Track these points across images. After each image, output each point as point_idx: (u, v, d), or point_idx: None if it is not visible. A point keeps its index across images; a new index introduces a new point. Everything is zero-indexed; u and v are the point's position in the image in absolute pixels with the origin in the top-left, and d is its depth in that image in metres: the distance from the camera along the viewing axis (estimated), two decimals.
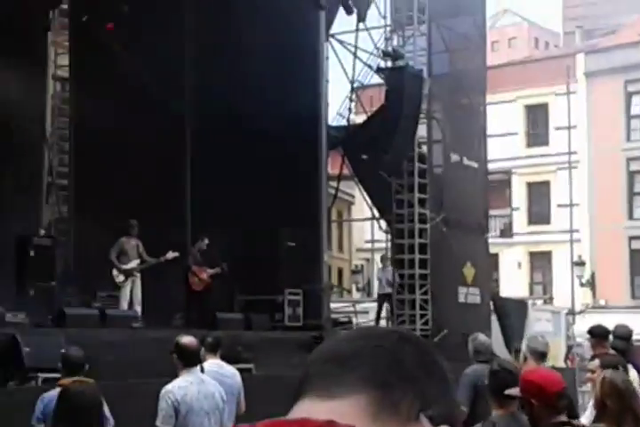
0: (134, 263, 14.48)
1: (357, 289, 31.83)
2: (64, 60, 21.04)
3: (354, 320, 19.27)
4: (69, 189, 20.08)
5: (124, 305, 14.27)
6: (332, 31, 19.02)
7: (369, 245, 28.58)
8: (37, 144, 19.87)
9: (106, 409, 4.28)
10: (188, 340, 6.43)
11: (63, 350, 6.90)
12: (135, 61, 17.69)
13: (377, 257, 22.25)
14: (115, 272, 14.39)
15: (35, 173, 19.75)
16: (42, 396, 6.48)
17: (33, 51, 19.53)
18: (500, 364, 5.59)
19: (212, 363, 7.77)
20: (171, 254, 14.49)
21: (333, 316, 18.18)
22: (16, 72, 18.75)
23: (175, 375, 6.43)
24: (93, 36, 18.62)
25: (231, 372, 7.96)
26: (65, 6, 19.52)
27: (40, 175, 20.07)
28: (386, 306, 18.56)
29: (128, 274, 14.41)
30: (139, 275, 14.53)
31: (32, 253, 15.13)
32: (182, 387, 6.26)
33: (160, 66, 17.38)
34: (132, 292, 14.49)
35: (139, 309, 14.27)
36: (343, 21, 19.18)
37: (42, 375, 9.81)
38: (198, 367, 6.49)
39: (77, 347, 6.90)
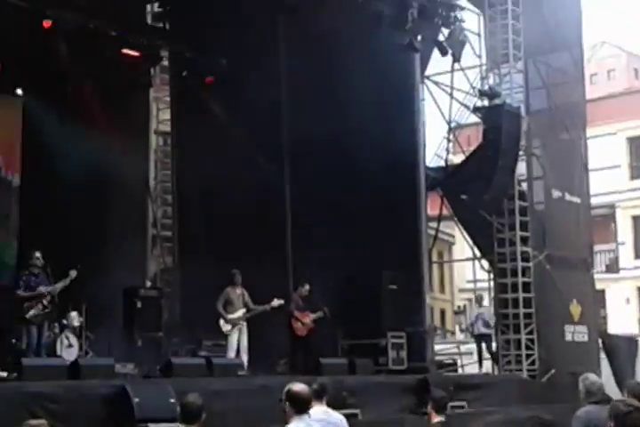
0: (240, 312, 14.64)
1: (461, 330, 31.44)
2: (165, 114, 21.65)
3: (458, 362, 19.03)
4: (173, 241, 20.52)
5: (232, 354, 14.40)
6: (427, 73, 19.08)
7: (471, 285, 28.25)
8: (142, 197, 20.40)
9: None
10: (299, 387, 6.42)
11: (184, 399, 6.92)
12: (233, 112, 18.05)
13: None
14: (221, 322, 14.57)
15: (140, 225, 20.26)
16: None
17: (136, 107, 20.15)
18: (631, 404, 5.36)
19: (319, 410, 7.74)
20: (276, 302, 14.63)
21: (437, 358, 18.00)
22: (120, 128, 19.34)
23: (283, 423, 6.44)
24: (193, 91, 19.15)
25: (338, 418, 7.92)
26: (165, 63, 20.11)
27: (145, 227, 20.56)
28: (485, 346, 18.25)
29: (234, 323, 14.57)
30: (245, 323, 14.67)
31: (139, 305, 15.47)
32: None
33: (258, 114, 17.70)
34: (238, 340, 14.63)
35: (245, 357, 14.38)
36: (438, 62, 19.24)
37: (152, 426, 9.93)
38: (307, 415, 6.48)
39: (197, 394, 6.94)
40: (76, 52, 16.91)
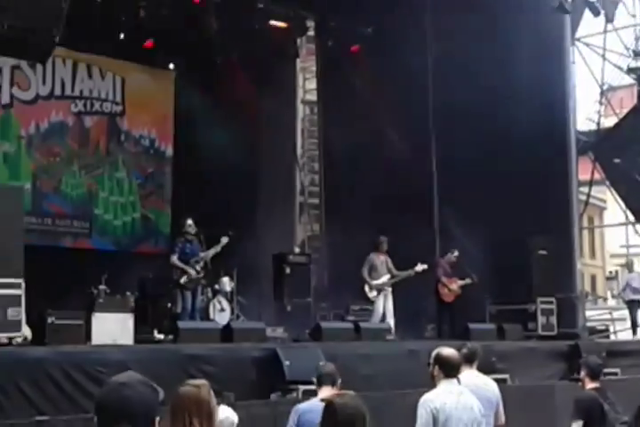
0: (385, 278, 14.76)
1: (612, 296, 30.70)
2: (312, 84, 21.87)
3: (611, 328, 18.63)
4: (320, 208, 20.78)
5: (377, 319, 14.55)
6: (577, 35, 18.57)
7: (624, 251, 27.51)
8: (290, 166, 20.71)
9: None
10: (449, 351, 6.46)
11: (320, 363, 7.14)
12: (379, 81, 18.07)
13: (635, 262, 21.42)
14: (367, 288, 14.74)
15: (288, 192, 20.60)
16: (296, 407, 6.75)
17: (283, 77, 20.44)
18: None
19: (469, 374, 7.76)
20: (420, 267, 14.66)
21: (589, 324, 17.67)
22: (269, 98, 19.69)
23: (430, 387, 6.49)
24: (339, 60, 19.26)
25: (488, 383, 7.91)
26: (311, 33, 20.28)
27: (293, 195, 20.88)
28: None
29: (379, 289, 14.71)
30: (390, 289, 14.79)
31: (288, 271, 15.76)
32: (441, 396, 6.27)
33: (404, 82, 17.65)
34: (384, 306, 14.75)
35: (392, 322, 14.51)
36: (589, 24, 18.69)
37: (302, 387, 10.17)
38: (455, 379, 6.51)
39: (330, 363, 7.12)
40: (225, 25, 17.25)
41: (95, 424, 2.78)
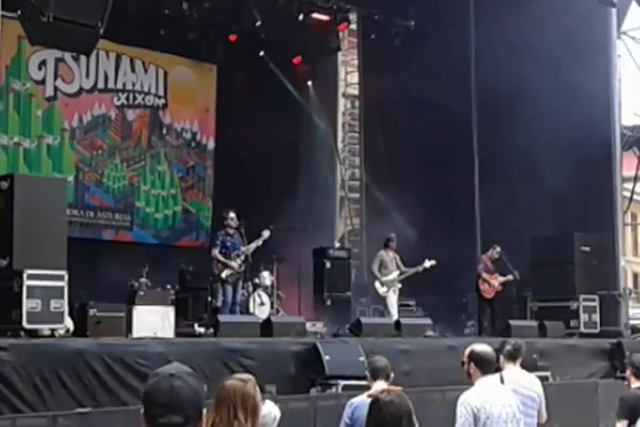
0: (395, 274, 14.83)
1: None
2: (354, 78, 21.82)
3: None
4: (360, 202, 20.74)
5: (394, 313, 14.57)
6: (623, 28, 18.32)
7: None
8: (331, 160, 20.69)
9: (415, 421, 4.36)
10: (483, 348, 6.39)
11: (375, 357, 7.12)
12: (421, 74, 17.97)
13: None
14: (377, 284, 14.84)
15: (328, 187, 20.58)
16: (350, 401, 6.73)
17: (325, 70, 20.42)
18: None
19: (513, 371, 7.69)
20: (428, 263, 14.67)
21: (632, 322, 17.45)
22: (310, 92, 19.67)
23: (470, 384, 6.44)
24: (381, 53, 19.19)
25: (531, 380, 7.84)
26: (354, 26, 20.22)
27: (333, 189, 20.85)
28: None
29: (390, 285, 14.72)
30: (399, 285, 14.80)
31: (328, 265, 15.75)
32: (481, 394, 6.21)
33: (446, 76, 17.56)
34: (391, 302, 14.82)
35: (395, 317, 14.48)
36: (636, 16, 18.42)
37: (342, 382, 10.15)
38: (494, 376, 6.44)
39: (382, 357, 7.10)
40: (268, 17, 17.24)
41: (142, 416, 2.74)
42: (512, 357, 7.72)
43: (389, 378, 6.74)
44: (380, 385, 6.46)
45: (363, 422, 6.25)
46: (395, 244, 15.03)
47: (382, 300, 15.01)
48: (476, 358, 6.29)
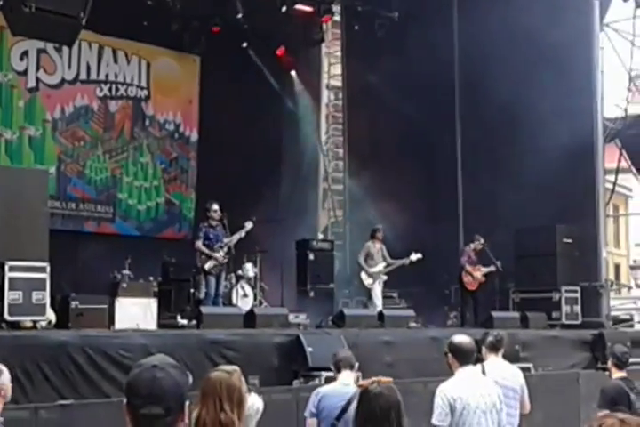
0: (381, 266, 14.85)
1: (637, 285, 30.55)
2: (337, 69, 21.79)
3: (635, 317, 18.49)
4: (344, 194, 20.74)
5: (379, 304, 14.59)
6: (606, 20, 18.35)
7: None
8: (314, 151, 20.66)
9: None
10: (462, 339, 6.42)
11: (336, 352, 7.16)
12: (404, 66, 17.97)
13: None
14: (363, 275, 14.86)
15: (311, 178, 20.56)
16: (316, 390, 6.75)
17: (308, 62, 20.38)
18: None
19: (495, 362, 7.73)
20: (414, 256, 14.71)
21: (613, 313, 17.54)
22: (294, 83, 19.65)
23: (451, 375, 6.46)
24: (365, 45, 19.16)
25: (513, 371, 7.88)
26: (337, 18, 20.18)
27: (316, 181, 20.83)
28: None
29: (376, 277, 14.74)
30: (385, 277, 14.84)
31: (311, 257, 15.75)
32: (458, 385, 6.24)
33: (429, 67, 17.56)
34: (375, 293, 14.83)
35: (380, 308, 14.51)
36: (618, 9, 18.45)
37: (324, 374, 10.16)
38: (474, 367, 6.47)
39: (346, 349, 7.14)
40: (251, 9, 17.18)
41: (124, 407, 2.74)
42: (494, 348, 7.76)
43: (354, 367, 6.76)
44: (346, 375, 6.49)
45: (329, 412, 6.31)
46: (382, 235, 15.02)
47: (367, 291, 15.03)
48: (453, 349, 6.32)
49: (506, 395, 7.63)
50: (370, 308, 14.56)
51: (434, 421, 6.19)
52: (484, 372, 7.60)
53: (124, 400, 2.74)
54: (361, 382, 5.69)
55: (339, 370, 6.78)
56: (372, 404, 4.21)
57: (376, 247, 14.99)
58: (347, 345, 10.44)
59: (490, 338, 7.83)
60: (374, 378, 4.63)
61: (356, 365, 6.83)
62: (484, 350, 7.84)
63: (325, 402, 6.41)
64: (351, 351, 7.05)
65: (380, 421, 4.18)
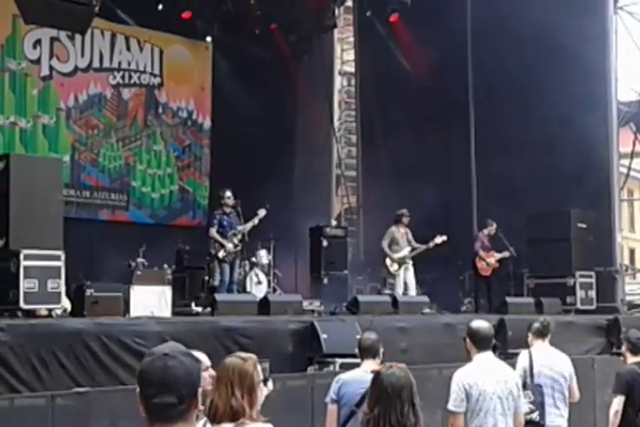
0: (406, 251, 14.69)
1: None
2: (349, 55, 21.74)
3: None
4: (357, 180, 20.71)
5: (399, 292, 14.51)
6: (620, 3, 18.23)
7: None
8: (327, 138, 20.64)
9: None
10: (479, 324, 6.40)
11: (364, 335, 7.12)
12: (418, 51, 17.92)
13: None
14: (388, 261, 14.67)
15: (325, 165, 20.54)
16: (337, 377, 6.74)
17: (321, 49, 20.33)
18: None
19: (541, 348, 7.73)
20: (439, 239, 14.55)
21: (628, 298, 17.50)
22: (307, 70, 19.61)
23: (468, 361, 6.45)
24: (377, 31, 19.08)
25: (561, 358, 7.87)
26: (349, 3, 20.11)
27: (330, 167, 20.81)
28: None
29: (401, 262, 14.64)
30: (411, 262, 14.71)
31: (325, 244, 15.73)
32: (475, 371, 6.23)
33: (443, 53, 17.52)
34: (405, 279, 14.69)
35: (414, 294, 14.45)
36: None
37: (339, 361, 10.17)
38: (491, 352, 6.45)
39: (372, 332, 7.09)
40: None
41: (137, 395, 2.74)
42: (541, 334, 7.76)
43: (377, 356, 6.74)
44: (368, 364, 6.47)
45: (349, 399, 6.30)
46: (407, 219, 14.78)
47: (383, 279, 14.94)
48: (471, 334, 6.31)
49: (556, 381, 7.64)
50: (395, 293, 14.43)
51: (450, 406, 6.19)
52: (531, 358, 7.61)
53: (137, 389, 2.75)
54: (373, 368, 5.71)
55: (362, 358, 6.76)
56: (385, 383, 4.23)
57: (400, 232, 14.77)
58: (361, 332, 10.45)
59: (536, 324, 7.82)
60: (389, 364, 4.66)
61: (381, 351, 6.80)
62: (530, 336, 7.84)
63: (346, 389, 6.39)
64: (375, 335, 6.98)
65: (391, 399, 4.19)
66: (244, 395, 4.12)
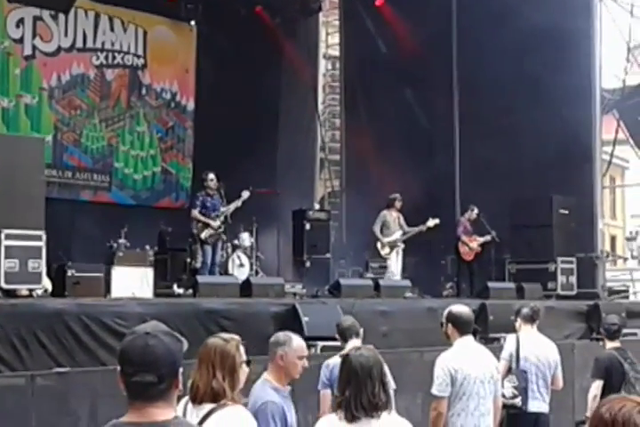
0: (397, 235, 14.66)
1: (632, 257, 30.58)
2: (334, 39, 21.67)
3: (630, 289, 18.55)
4: (341, 164, 20.70)
5: (395, 275, 14.52)
6: None
7: None
8: (311, 121, 20.60)
9: (387, 372, 4.41)
10: (461, 308, 6.43)
11: (342, 318, 7.16)
12: (403, 35, 17.88)
13: None
14: (379, 245, 14.64)
15: (308, 148, 20.51)
16: (326, 362, 6.75)
17: (305, 32, 20.26)
18: None
19: (529, 334, 7.76)
20: (431, 222, 14.54)
21: (608, 284, 17.59)
22: (291, 53, 19.53)
23: (448, 345, 6.47)
24: (362, 14, 19.02)
25: (549, 344, 7.91)
26: None
27: (314, 151, 20.78)
28: None
29: (392, 246, 14.63)
30: (402, 246, 14.70)
31: (308, 227, 15.72)
32: (459, 355, 6.26)
33: (428, 36, 17.50)
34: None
35: (398, 278, 14.46)
36: None
37: (321, 343, 10.18)
38: (472, 337, 6.48)
39: (349, 316, 7.11)
40: None
41: (118, 373, 2.74)
42: (531, 319, 7.81)
43: (359, 335, 6.76)
44: (352, 343, 6.49)
45: None
46: (400, 203, 14.72)
47: (384, 261, 14.87)
48: (453, 318, 6.33)
49: (541, 368, 7.68)
50: (387, 277, 14.44)
51: (434, 391, 6.21)
52: (518, 343, 7.64)
53: (118, 368, 2.74)
54: (342, 352, 5.73)
55: (345, 339, 6.77)
56: (354, 364, 4.24)
57: (392, 216, 14.69)
58: (343, 315, 10.46)
59: (525, 310, 7.86)
60: (355, 346, 4.69)
61: (361, 331, 6.82)
62: (518, 321, 7.88)
63: (337, 373, 6.42)
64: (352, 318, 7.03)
65: (362, 380, 4.20)
66: (225, 376, 4.11)
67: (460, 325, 6.28)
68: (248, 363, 4.24)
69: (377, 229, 14.62)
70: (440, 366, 6.21)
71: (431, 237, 15.00)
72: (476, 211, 15.42)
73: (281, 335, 5.38)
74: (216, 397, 4.08)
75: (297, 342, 5.33)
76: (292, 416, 5.07)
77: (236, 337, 4.30)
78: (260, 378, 5.33)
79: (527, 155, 16.36)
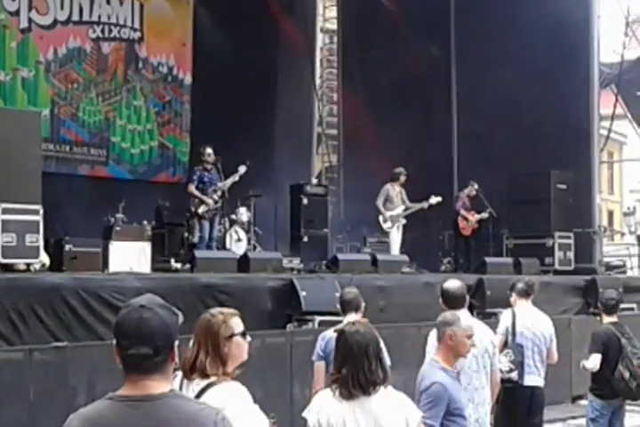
0: (400, 209, 14.61)
1: (630, 232, 30.62)
2: (332, 12, 21.54)
3: (627, 263, 18.60)
4: (338, 139, 20.66)
5: (395, 250, 14.50)
6: None
7: None
8: (308, 96, 20.52)
9: (383, 348, 4.39)
10: (450, 284, 6.42)
11: (345, 290, 7.16)
12: (402, 8, 17.78)
13: None
14: (381, 219, 14.58)
15: (306, 123, 20.45)
16: (322, 334, 6.76)
17: (303, 5, 20.14)
18: None
19: (525, 308, 7.76)
20: (434, 199, 14.50)
21: (606, 259, 17.62)
22: (288, 27, 19.43)
23: None
24: None
25: (544, 319, 7.92)
26: None
27: (311, 126, 20.73)
28: None
29: (394, 220, 14.59)
30: (404, 220, 14.66)
31: (305, 202, 15.68)
32: None
33: (425, 8, 17.41)
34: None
35: (397, 253, 14.45)
36: None
37: (318, 318, 10.21)
38: (465, 311, 6.47)
39: (353, 289, 7.13)
40: None
41: (114, 346, 2.73)
42: (526, 293, 7.81)
43: (359, 309, 6.76)
44: (350, 317, 6.49)
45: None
46: (404, 178, 14.61)
47: (385, 235, 14.85)
48: (442, 293, 6.34)
49: (537, 342, 7.69)
50: (392, 252, 14.41)
51: None
52: (514, 318, 7.65)
53: (114, 341, 2.73)
54: (337, 326, 5.73)
55: (344, 312, 6.78)
56: (349, 341, 4.21)
57: (395, 190, 14.61)
58: (340, 290, 10.47)
59: (520, 284, 7.87)
60: (350, 321, 4.67)
61: (363, 305, 6.83)
62: (513, 295, 7.89)
63: (332, 345, 6.42)
64: (357, 290, 7.02)
65: (358, 357, 4.17)
66: (207, 352, 4.05)
67: (449, 300, 6.27)
68: (244, 335, 4.18)
69: (380, 202, 14.54)
70: (431, 341, 6.23)
71: (429, 212, 14.99)
72: (475, 186, 15.40)
73: (448, 315, 5.43)
74: (203, 372, 4.05)
75: (464, 321, 5.41)
76: (460, 397, 5.16)
77: (227, 310, 4.23)
78: (427, 358, 5.50)
79: (525, 130, 16.32)
